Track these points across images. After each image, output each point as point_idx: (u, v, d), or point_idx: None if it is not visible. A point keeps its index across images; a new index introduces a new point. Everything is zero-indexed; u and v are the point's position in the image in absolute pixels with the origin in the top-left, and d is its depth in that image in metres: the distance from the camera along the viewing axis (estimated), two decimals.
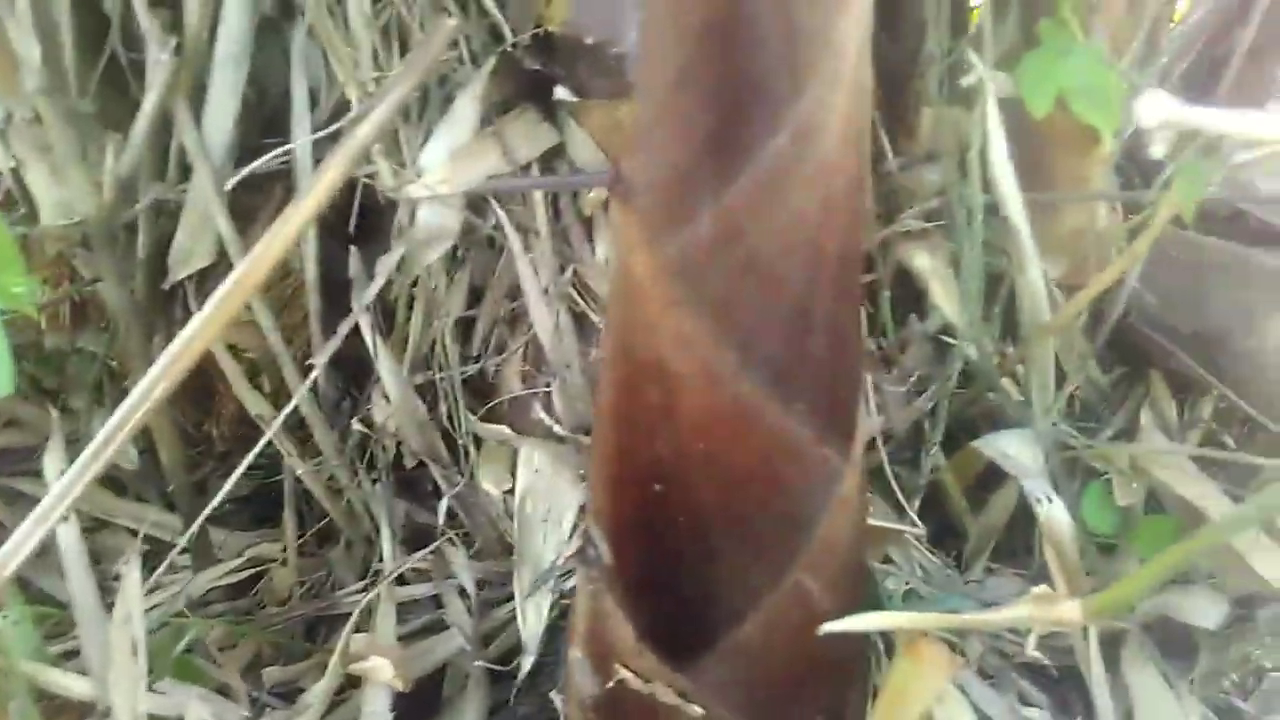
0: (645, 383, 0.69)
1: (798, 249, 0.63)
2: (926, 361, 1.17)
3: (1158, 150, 0.78)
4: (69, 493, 0.96)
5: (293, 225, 1.01)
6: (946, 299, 1.10)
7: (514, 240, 1.07)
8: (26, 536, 0.92)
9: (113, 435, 1.02)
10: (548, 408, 1.15)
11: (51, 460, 1.16)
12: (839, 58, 0.57)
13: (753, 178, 0.59)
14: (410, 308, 1.21)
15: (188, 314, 1.36)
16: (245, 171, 1.16)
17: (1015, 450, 0.99)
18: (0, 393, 0.95)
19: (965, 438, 1.15)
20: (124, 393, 1.44)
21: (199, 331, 1.03)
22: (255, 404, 1.17)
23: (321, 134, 1.18)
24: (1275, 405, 1.02)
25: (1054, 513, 0.92)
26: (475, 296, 1.27)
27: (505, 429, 1.13)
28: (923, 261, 1.09)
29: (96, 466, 0.99)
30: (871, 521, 1.01)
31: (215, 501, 1.17)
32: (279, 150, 1.19)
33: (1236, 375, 1.06)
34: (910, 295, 1.18)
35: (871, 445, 1.06)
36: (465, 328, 1.27)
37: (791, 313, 0.65)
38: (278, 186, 1.30)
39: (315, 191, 0.96)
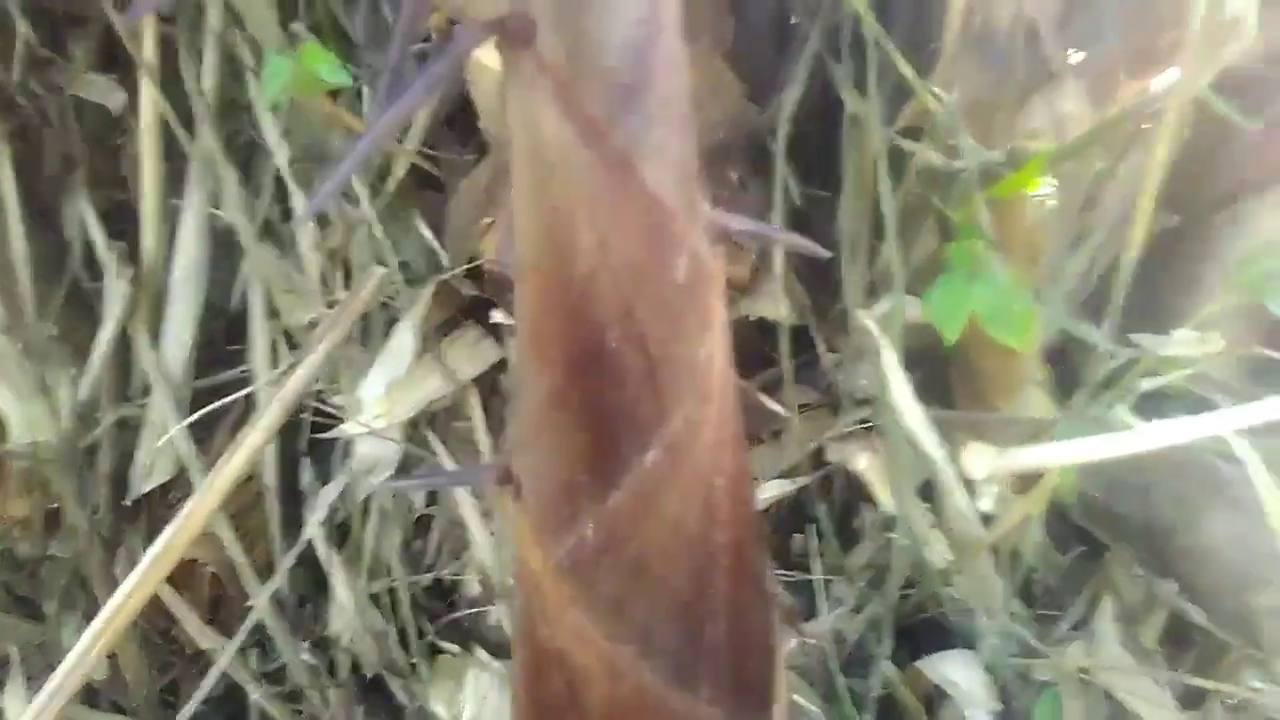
0: (550, 669, 0.69)
1: (684, 549, 0.63)
2: (879, 556, 1.16)
3: (986, 504, 0.79)
4: (41, 716, 0.98)
5: (240, 459, 1.03)
6: (888, 499, 1.10)
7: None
8: None
9: (77, 664, 1.04)
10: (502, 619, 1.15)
11: (12, 694, 1.16)
12: (704, 376, 0.59)
13: (629, 489, 0.60)
14: (364, 518, 1.22)
15: (151, 526, 1.38)
16: (202, 398, 1.18)
17: (958, 673, 0.98)
18: None
19: (927, 634, 1.14)
20: (94, 599, 1.46)
21: (158, 560, 1.05)
22: (206, 639, 1.18)
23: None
24: (1221, 603, 1.01)
25: None
26: (432, 495, 1.28)
27: (454, 648, 1.13)
28: (861, 462, 1.10)
29: (62, 695, 1.01)
30: None
31: None
32: (232, 373, 1.21)
33: (1184, 571, 1.05)
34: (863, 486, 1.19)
35: (823, 656, 1.05)
36: (426, 529, 1.28)
37: (686, 606, 0.66)
38: (238, 398, 1.32)
39: (257, 433, 0.98)
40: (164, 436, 1.25)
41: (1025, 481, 1.07)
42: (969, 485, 0.88)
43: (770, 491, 1.13)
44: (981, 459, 0.53)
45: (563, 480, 0.62)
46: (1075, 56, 0.82)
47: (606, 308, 0.54)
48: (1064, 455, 0.56)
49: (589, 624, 0.64)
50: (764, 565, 0.73)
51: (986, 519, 1.00)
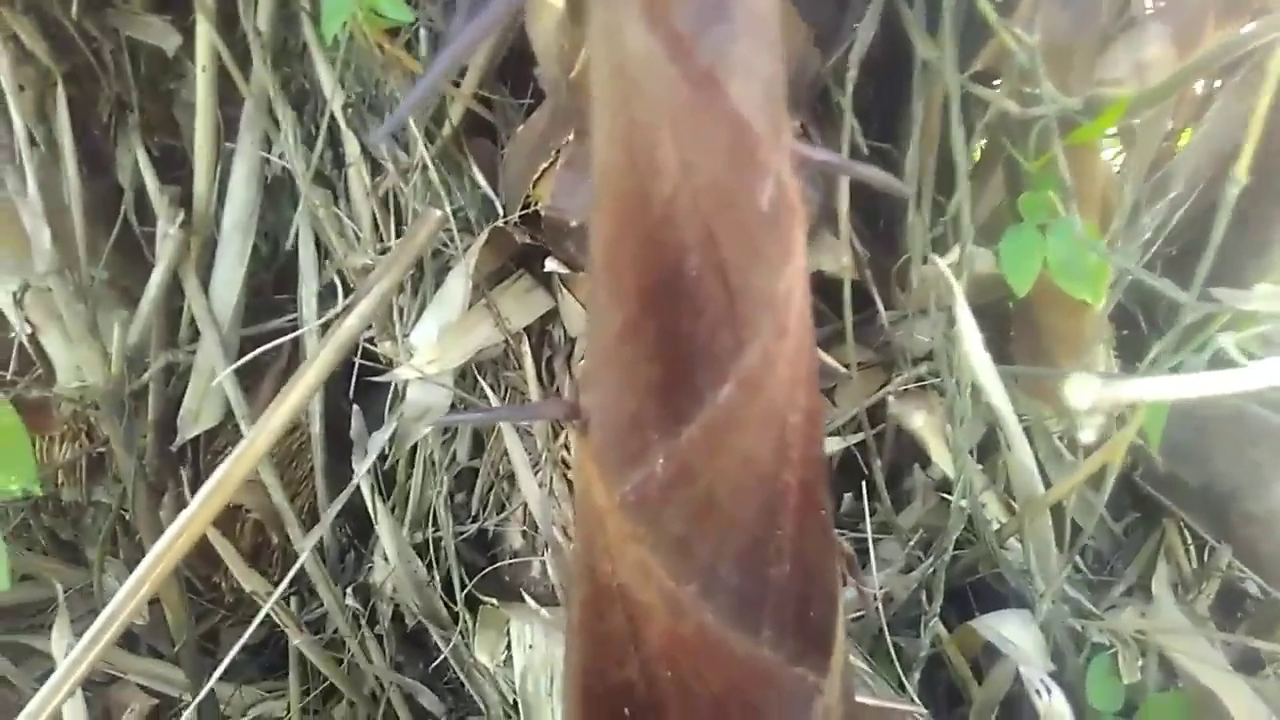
0: (610, 606, 0.68)
1: (754, 487, 0.62)
2: (930, 518, 1.15)
3: (1088, 435, 0.77)
4: (82, 661, 0.98)
5: (290, 404, 1.03)
6: (944, 457, 1.08)
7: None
8: (42, 706, 0.94)
9: (120, 609, 1.04)
10: (545, 570, 1.14)
11: (58, 638, 1.17)
12: (782, 310, 0.57)
13: (702, 424, 0.59)
14: (410, 468, 1.22)
15: (196, 472, 1.39)
16: (250, 347, 1.18)
17: (1013, 633, 0.96)
18: None
19: (976, 595, 1.12)
20: (137, 545, 1.47)
21: (204, 505, 1.05)
22: (252, 581, 1.18)
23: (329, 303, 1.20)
24: None
25: (1054, 704, 0.89)
26: (478, 447, 1.28)
27: (494, 601, 1.13)
28: (918, 420, 1.08)
29: (103, 640, 1.01)
30: (870, 701, 0.98)
31: (219, 670, 1.18)
32: (280, 320, 1.21)
33: (1246, 535, 1.03)
34: (914, 445, 1.17)
35: (873, 611, 1.04)
36: (469, 483, 1.28)
37: (753, 546, 0.64)
38: (285, 345, 1.32)
39: (308, 377, 0.97)
40: (212, 383, 1.26)
41: (1087, 448, 1.05)
42: (1036, 440, 0.86)
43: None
44: (1085, 389, 0.51)
45: (633, 414, 0.61)
46: (1160, 1, 0.80)
47: (687, 232, 0.52)
48: (1171, 388, 0.53)
49: (653, 561, 0.63)
50: (829, 509, 0.71)
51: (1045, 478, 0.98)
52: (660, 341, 0.57)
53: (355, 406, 1.24)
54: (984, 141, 0.94)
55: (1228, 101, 0.91)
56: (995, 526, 1.05)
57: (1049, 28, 0.76)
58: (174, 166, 1.29)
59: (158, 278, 1.21)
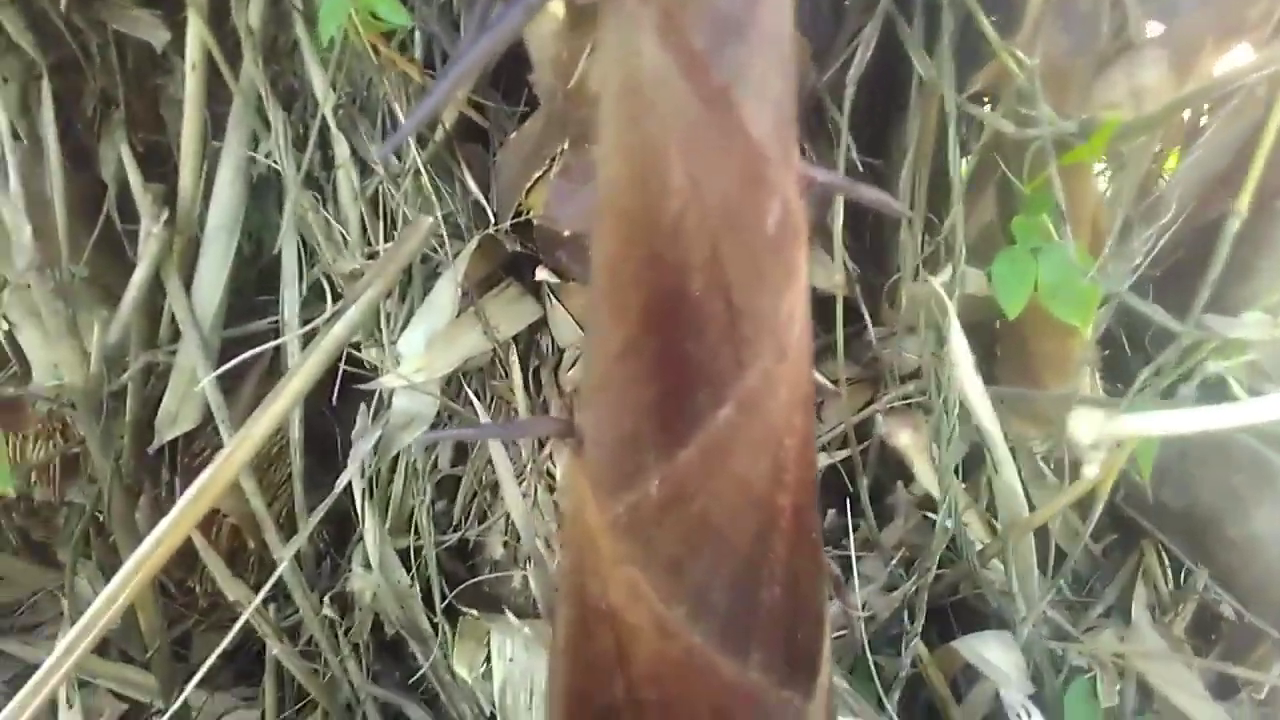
0: (598, 627, 0.68)
1: (748, 510, 0.62)
2: (912, 536, 1.15)
3: (1091, 471, 0.77)
4: (57, 669, 0.97)
5: (273, 412, 1.01)
6: (928, 476, 1.08)
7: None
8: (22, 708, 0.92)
9: (97, 617, 1.02)
10: (526, 583, 1.13)
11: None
12: (784, 333, 0.57)
13: (700, 445, 0.59)
14: (392, 475, 1.21)
15: (173, 474, 1.37)
16: (231, 347, 1.16)
17: (994, 654, 0.96)
18: None
19: (956, 615, 1.12)
20: (110, 547, 1.45)
21: (185, 513, 1.03)
22: (233, 589, 1.16)
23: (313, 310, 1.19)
24: (1264, 594, 0.99)
25: None
26: (461, 454, 1.27)
27: (475, 613, 1.11)
28: (904, 438, 1.08)
29: (80, 648, 1.00)
30: None
31: (195, 679, 1.16)
32: (263, 323, 1.19)
33: (1224, 560, 1.04)
34: (896, 462, 1.17)
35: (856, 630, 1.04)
36: (451, 491, 1.27)
37: (744, 570, 0.64)
38: (267, 348, 1.30)
39: (293, 384, 0.96)
40: (192, 384, 1.24)
41: (1071, 468, 1.05)
42: (1020, 461, 0.86)
43: None
44: (1089, 422, 0.51)
45: (629, 434, 0.60)
46: (1159, 25, 0.80)
47: (692, 251, 0.52)
48: (1173, 423, 0.54)
49: (644, 583, 0.63)
50: (819, 532, 0.71)
51: (1029, 499, 0.98)
52: (660, 361, 0.57)
53: (340, 412, 1.22)
54: (975, 161, 0.94)
55: (1220, 128, 0.92)
56: (978, 547, 1.05)
57: (1049, 50, 0.77)
58: (159, 164, 1.27)
59: (139, 277, 1.19)
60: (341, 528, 1.33)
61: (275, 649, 1.20)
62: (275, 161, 1.10)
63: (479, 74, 1.02)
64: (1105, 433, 0.51)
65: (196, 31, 1.07)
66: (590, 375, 0.62)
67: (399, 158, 1.06)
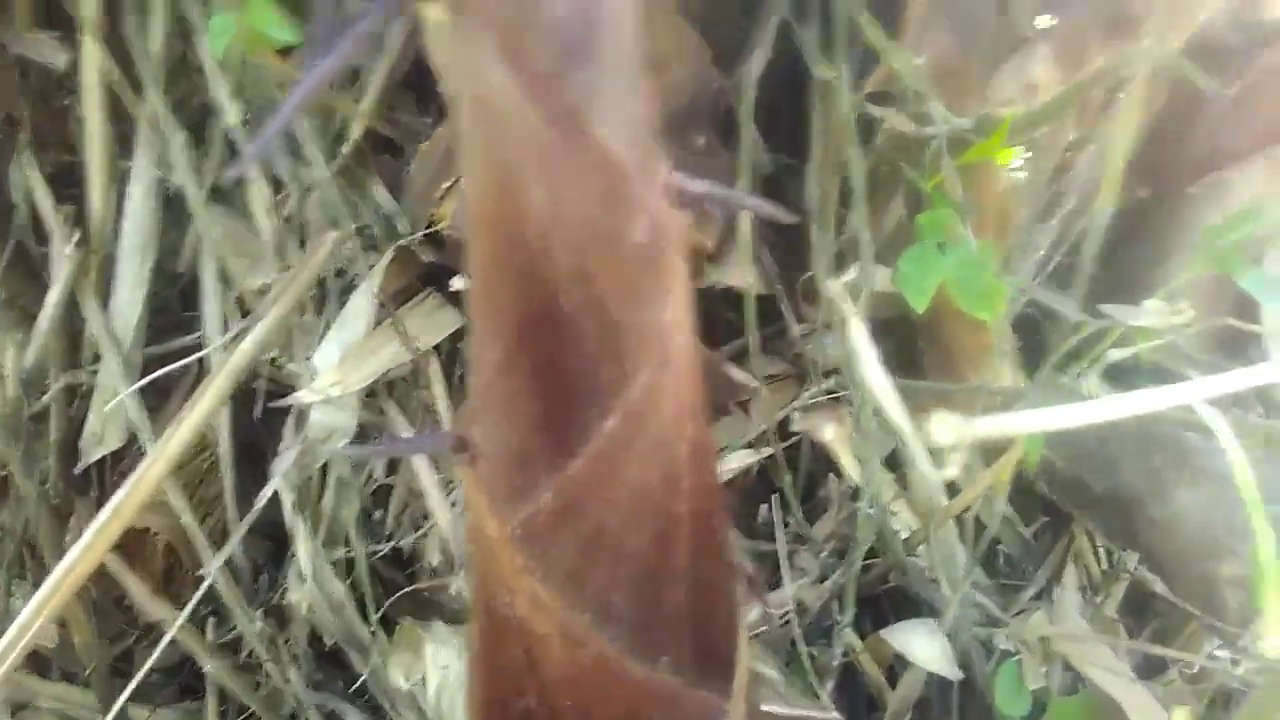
0: (508, 636, 0.68)
1: (645, 518, 0.62)
2: (844, 527, 1.16)
3: (952, 471, 0.78)
4: None
5: (186, 427, 1.01)
6: (853, 468, 1.09)
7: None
8: None
9: (20, 635, 1.02)
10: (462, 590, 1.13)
11: None
12: (666, 342, 0.57)
13: (588, 457, 0.59)
14: (323, 487, 1.20)
15: (102, 493, 1.35)
16: (155, 365, 1.15)
17: (920, 643, 0.98)
18: None
19: (892, 603, 1.14)
20: (44, 568, 1.43)
21: (104, 529, 1.03)
22: (156, 609, 1.15)
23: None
24: (1187, 574, 1.01)
25: None
26: (393, 464, 1.26)
27: (409, 620, 1.11)
28: (827, 432, 1.09)
29: (6, 664, 0.99)
30: (782, 710, 0.99)
31: (126, 693, 1.15)
32: (187, 339, 1.18)
33: (1149, 540, 1.05)
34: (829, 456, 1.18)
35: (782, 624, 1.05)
36: (386, 500, 1.26)
37: (645, 576, 0.64)
38: (192, 363, 1.29)
39: (204, 402, 0.95)
40: (113, 403, 1.22)
41: (992, 453, 1.07)
42: (935, 454, 0.88)
43: (736, 461, 1.12)
44: (947, 426, 0.51)
45: (518, 448, 0.60)
46: (1045, 22, 0.81)
47: (560, 268, 0.52)
48: (1030, 423, 0.55)
49: (546, 593, 0.63)
50: (727, 535, 0.71)
51: (951, 488, 1.00)
52: (541, 375, 0.57)
53: (261, 426, 1.21)
54: (878, 159, 0.94)
55: (1116, 116, 0.93)
56: (905, 535, 1.07)
57: (937, 50, 0.77)
58: (72, 184, 1.25)
59: (54, 297, 1.17)
60: (278, 541, 1.32)
61: (206, 665, 1.19)
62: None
63: (385, 85, 1.02)
64: (963, 434, 0.52)
65: (92, 55, 1.05)
66: (477, 389, 0.62)
67: (309, 168, 1.05)
